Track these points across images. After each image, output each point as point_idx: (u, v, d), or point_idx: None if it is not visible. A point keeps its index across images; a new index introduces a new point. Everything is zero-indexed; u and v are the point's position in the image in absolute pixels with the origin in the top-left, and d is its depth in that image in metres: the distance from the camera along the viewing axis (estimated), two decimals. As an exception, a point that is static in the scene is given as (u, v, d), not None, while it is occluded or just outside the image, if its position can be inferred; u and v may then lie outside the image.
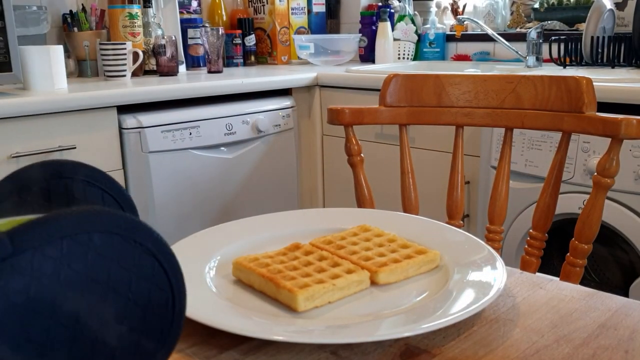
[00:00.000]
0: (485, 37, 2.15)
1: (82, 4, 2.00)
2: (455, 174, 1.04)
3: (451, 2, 2.41)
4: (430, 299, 0.49)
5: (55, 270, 0.29)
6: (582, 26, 1.91)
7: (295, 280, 0.49)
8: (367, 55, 2.41)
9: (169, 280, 0.33)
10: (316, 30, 2.56)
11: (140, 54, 1.91)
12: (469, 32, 2.30)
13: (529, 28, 2.02)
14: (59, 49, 1.60)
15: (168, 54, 1.94)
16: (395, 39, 2.33)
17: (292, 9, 2.45)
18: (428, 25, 2.35)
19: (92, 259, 0.30)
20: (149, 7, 2.01)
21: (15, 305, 0.29)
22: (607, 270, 1.51)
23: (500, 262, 0.53)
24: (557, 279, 0.84)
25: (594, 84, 0.91)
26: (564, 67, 1.85)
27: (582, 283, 0.77)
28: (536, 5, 2.16)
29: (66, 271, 0.30)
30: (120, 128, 1.55)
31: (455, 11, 2.40)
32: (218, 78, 1.82)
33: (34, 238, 0.29)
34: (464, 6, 2.38)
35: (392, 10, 2.37)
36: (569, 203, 1.38)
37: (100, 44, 1.85)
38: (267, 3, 2.41)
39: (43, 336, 0.30)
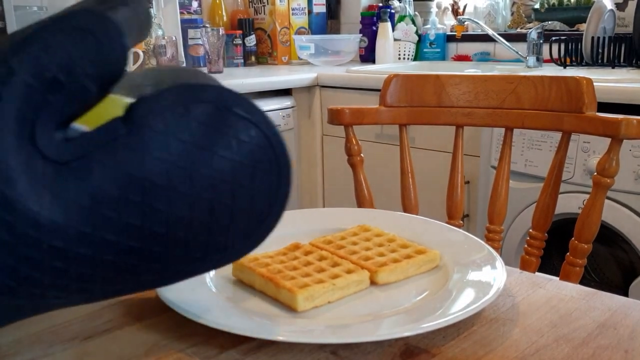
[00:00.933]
0: (485, 38, 2.15)
1: (83, 5, 2.00)
2: (455, 174, 1.04)
3: (452, 2, 2.41)
4: (430, 298, 0.49)
5: (165, 142, 0.32)
6: (583, 26, 1.91)
7: (295, 280, 0.49)
8: (368, 55, 2.41)
9: (271, 144, 0.35)
10: (316, 30, 2.56)
11: (141, 54, 1.91)
12: (470, 32, 2.30)
13: (530, 28, 2.02)
14: (60, 49, 1.60)
15: (168, 54, 1.95)
16: (395, 40, 2.33)
17: (293, 9, 2.45)
18: (428, 26, 2.35)
19: (196, 128, 0.33)
20: (150, 7, 2.01)
21: (133, 178, 0.32)
22: (606, 270, 1.51)
23: (500, 262, 0.53)
24: (557, 278, 0.84)
25: (594, 84, 0.91)
26: (565, 68, 1.85)
27: (582, 283, 0.77)
28: (536, 6, 2.16)
29: (174, 142, 0.32)
30: (121, 128, 1.55)
31: (455, 11, 2.40)
32: (218, 78, 1.82)
33: (144, 116, 0.32)
34: (465, 7, 2.38)
35: (393, 11, 2.37)
36: (569, 203, 1.38)
37: (101, 44, 1.85)
38: (267, 3, 2.41)
39: (165, 206, 0.33)
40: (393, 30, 2.33)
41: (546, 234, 0.96)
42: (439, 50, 2.34)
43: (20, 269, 0.31)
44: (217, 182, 0.34)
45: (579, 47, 1.83)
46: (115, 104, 0.36)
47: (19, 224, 0.30)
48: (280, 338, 0.42)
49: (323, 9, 2.59)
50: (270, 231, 0.38)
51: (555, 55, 1.87)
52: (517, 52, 2.05)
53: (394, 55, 2.33)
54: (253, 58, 2.40)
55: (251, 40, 2.38)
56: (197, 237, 0.35)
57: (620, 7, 1.90)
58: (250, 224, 0.37)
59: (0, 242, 0.30)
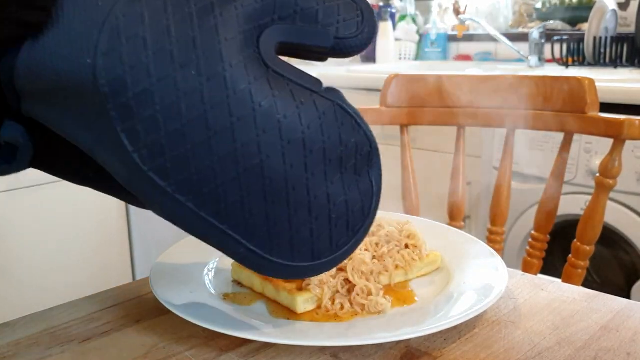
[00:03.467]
0: (487, 38, 2.14)
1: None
2: (456, 175, 1.03)
3: (453, 2, 2.41)
4: (431, 301, 0.49)
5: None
6: (585, 26, 1.91)
7: (294, 282, 0.49)
8: (368, 55, 2.41)
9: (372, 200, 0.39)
10: (318, 30, 2.56)
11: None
12: (471, 32, 2.29)
13: (531, 28, 2.01)
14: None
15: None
16: (396, 39, 2.33)
17: (294, 9, 2.45)
18: (429, 25, 2.35)
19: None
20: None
21: (291, 130, 0.35)
22: (609, 272, 1.51)
23: (501, 264, 0.53)
24: (559, 280, 0.83)
25: (597, 84, 0.91)
26: (567, 68, 1.84)
27: (584, 285, 0.77)
28: (538, 5, 2.16)
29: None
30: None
31: (457, 11, 2.40)
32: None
33: (334, 97, 0.37)
34: (466, 6, 2.38)
35: (394, 10, 2.37)
36: (571, 204, 1.38)
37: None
38: (268, 3, 2.41)
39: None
40: (394, 29, 2.33)
41: (548, 236, 0.96)
42: (440, 50, 2.34)
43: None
44: (322, 191, 0.37)
45: (581, 47, 1.83)
46: None
47: (210, 88, 0.33)
48: (280, 341, 0.41)
49: (324, 9, 2.59)
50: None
51: (557, 55, 1.86)
52: (518, 52, 2.04)
53: (395, 55, 2.33)
54: (254, 58, 2.40)
55: (252, 40, 2.38)
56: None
57: (623, 6, 1.89)
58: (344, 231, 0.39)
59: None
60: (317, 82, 0.37)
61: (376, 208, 0.39)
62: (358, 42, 0.37)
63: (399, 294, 0.52)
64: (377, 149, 0.39)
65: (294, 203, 0.35)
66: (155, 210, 0.36)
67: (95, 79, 0.31)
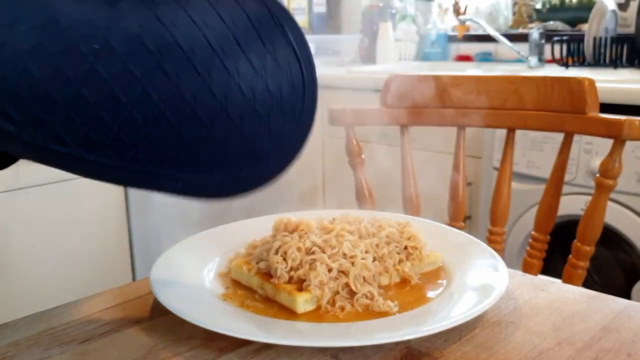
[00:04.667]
0: (487, 38, 2.14)
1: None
2: (457, 176, 1.03)
3: (453, 2, 2.41)
4: (432, 301, 0.49)
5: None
6: (585, 27, 1.91)
7: (295, 282, 0.49)
8: (368, 55, 2.41)
9: (304, 92, 0.34)
10: (317, 30, 2.56)
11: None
12: (471, 32, 2.29)
13: (531, 28, 2.01)
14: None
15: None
16: (396, 40, 2.33)
17: (293, 9, 2.45)
18: (429, 26, 2.35)
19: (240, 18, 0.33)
20: None
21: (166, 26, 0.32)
22: (609, 272, 1.51)
23: (501, 264, 0.53)
24: (559, 281, 0.83)
25: (597, 84, 0.91)
26: (567, 68, 1.84)
27: (585, 285, 0.76)
28: (538, 6, 2.16)
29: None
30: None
31: (457, 11, 2.39)
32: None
33: None
34: (466, 7, 2.38)
35: (394, 11, 2.37)
36: (572, 204, 1.38)
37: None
38: (268, 3, 2.41)
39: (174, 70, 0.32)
40: (394, 30, 2.32)
41: (548, 236, 0.96)
42: (440, 50, 2.33)
43: None
44: (232, 85, 0.32)
45: (581, 47, 1.83)
46: None
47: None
48: (280, 341, 0.41)
49: (323, 9, 2.59)
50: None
51: (557, 55, 1.86)
52: (518, 53, 2.04)
53: (395, 55, 2.33)
54: (254, 58, 2.39)
55: (252, 41, 2.38)
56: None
57: (622, 7, 1.89)
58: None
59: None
60: None
61: (312, 79, 0.35)
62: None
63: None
64: (280, 12, 0.34)
65: (205, 114, 0.32)
66: (80, 174, 0.33)
67: None
